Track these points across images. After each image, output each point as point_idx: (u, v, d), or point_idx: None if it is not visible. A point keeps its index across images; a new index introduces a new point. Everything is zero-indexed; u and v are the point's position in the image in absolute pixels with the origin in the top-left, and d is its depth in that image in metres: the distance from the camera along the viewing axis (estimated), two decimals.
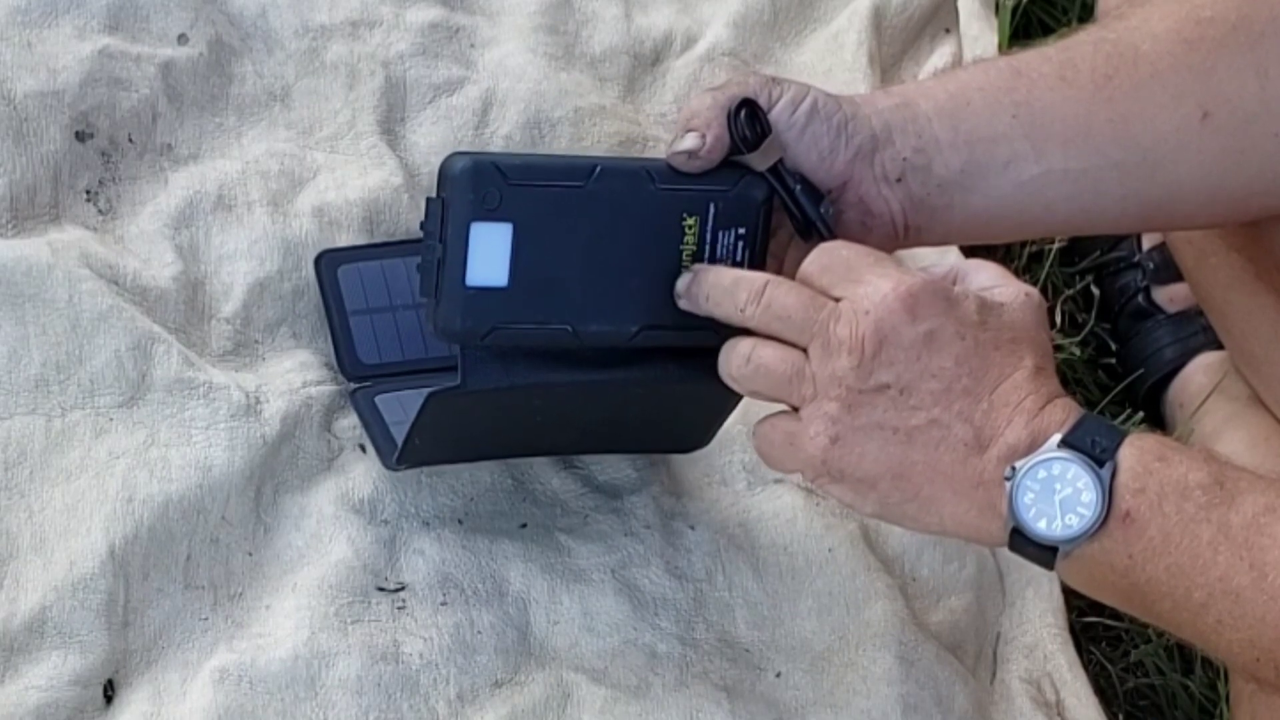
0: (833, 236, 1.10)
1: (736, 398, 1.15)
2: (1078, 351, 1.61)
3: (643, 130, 1.43)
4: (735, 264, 1.10)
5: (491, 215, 1.07)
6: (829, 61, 1.54)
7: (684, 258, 1.11)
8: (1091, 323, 1.64)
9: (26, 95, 1.27)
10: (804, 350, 1.05)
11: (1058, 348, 1.60)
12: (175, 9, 1.35)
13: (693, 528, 1.26)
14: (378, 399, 1.23)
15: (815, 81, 1.51)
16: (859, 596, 1.25)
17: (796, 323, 1.05)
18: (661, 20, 1.51)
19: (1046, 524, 1.02)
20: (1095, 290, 1.66)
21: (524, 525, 1.23)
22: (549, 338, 1.10)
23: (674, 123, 1.44)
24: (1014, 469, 1.02)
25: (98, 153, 1.29)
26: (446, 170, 1.08)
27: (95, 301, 1.20)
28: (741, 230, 1.11)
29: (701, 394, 1.15)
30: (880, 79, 1.53)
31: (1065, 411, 1.03)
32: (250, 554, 1.18)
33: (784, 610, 1.24)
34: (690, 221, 1.11)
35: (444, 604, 1.18)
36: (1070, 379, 1.61)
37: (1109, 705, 1.38)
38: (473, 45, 1.43)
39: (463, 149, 1.15)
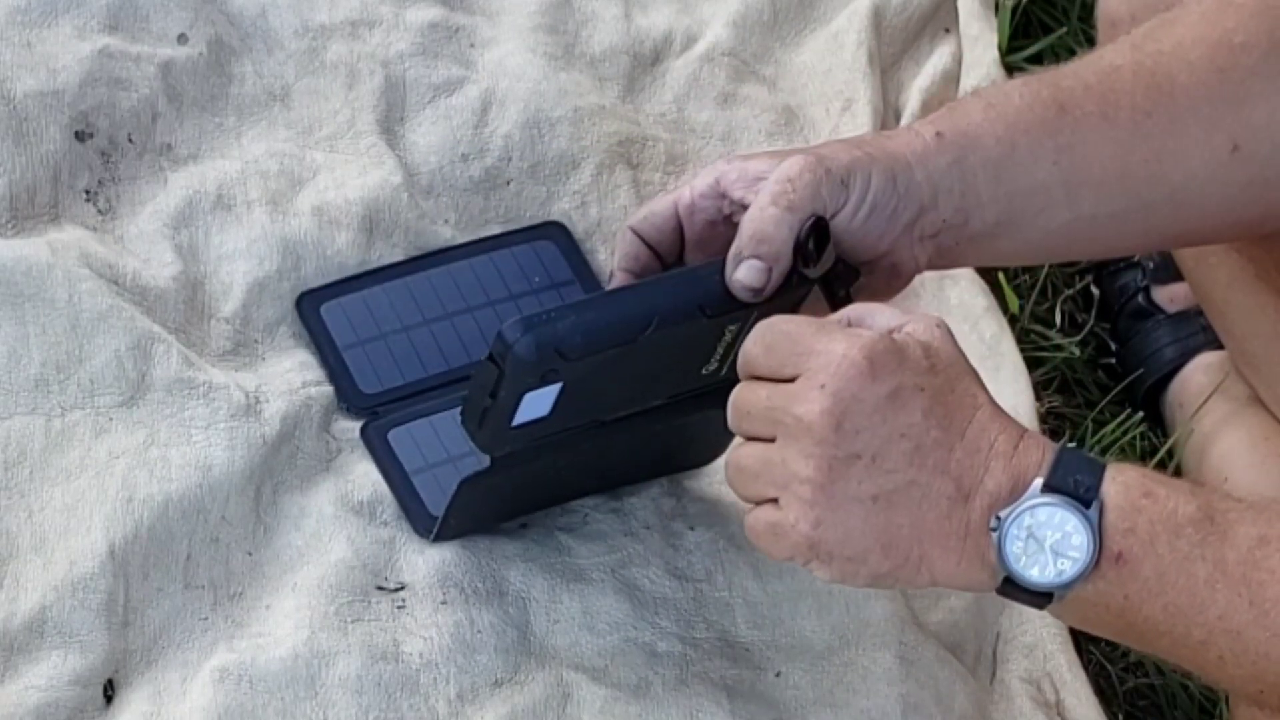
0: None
1: None
2: (1078, 351, 1.61)
3: (642, 130, 1.43)
4: None
5: (543, 385, 1.08)
6: (829, 61, 1.54)
7: (719, 350, 1.12)
8: (1091, 323, 1.64)
9: (26, 95, 1.27)
10: (772, 440, 1.03)
11: (1058, 347, 1.60)
12: (175, 9, 1.35)
13: (692, 528, 1.26)
14: (390, 436, 1.23)
15: (815, 81, 1.52)
16: (859, 596, 1.25)
17: (758, 416, 1.03)
18: (661, 20, 1.51)
19: (1039, 571, 1.00)
20: (1095, 290, 1.66)
21: (524, 525, 1.23)
22: (580, 430, 1.12)
23: (673, 122, 1.45)
24: (999, 519, 1.00)
25: (97, 153, 1.29)
26: (510, 349, 1.06)
27: (95, 301, 1.20)
28: None
29: (715, 416, 1.15)
30: (880, 79, 1.53)
31: (1040, 450, 1.01)
32: (250, 554, 1.18)
33: (784, 610, 1.24)
34: (732, 328, 1.11)
35: (444, 603, 1.18)
36: (1070, 379, 1.61)
37: (1109, 705, 1.38)
38: (472, 45, 1.43)
39: (517, 319, 1.08)
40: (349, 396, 1.24)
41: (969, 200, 1.13)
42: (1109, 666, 1.44)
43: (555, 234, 1.34)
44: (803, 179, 1.09)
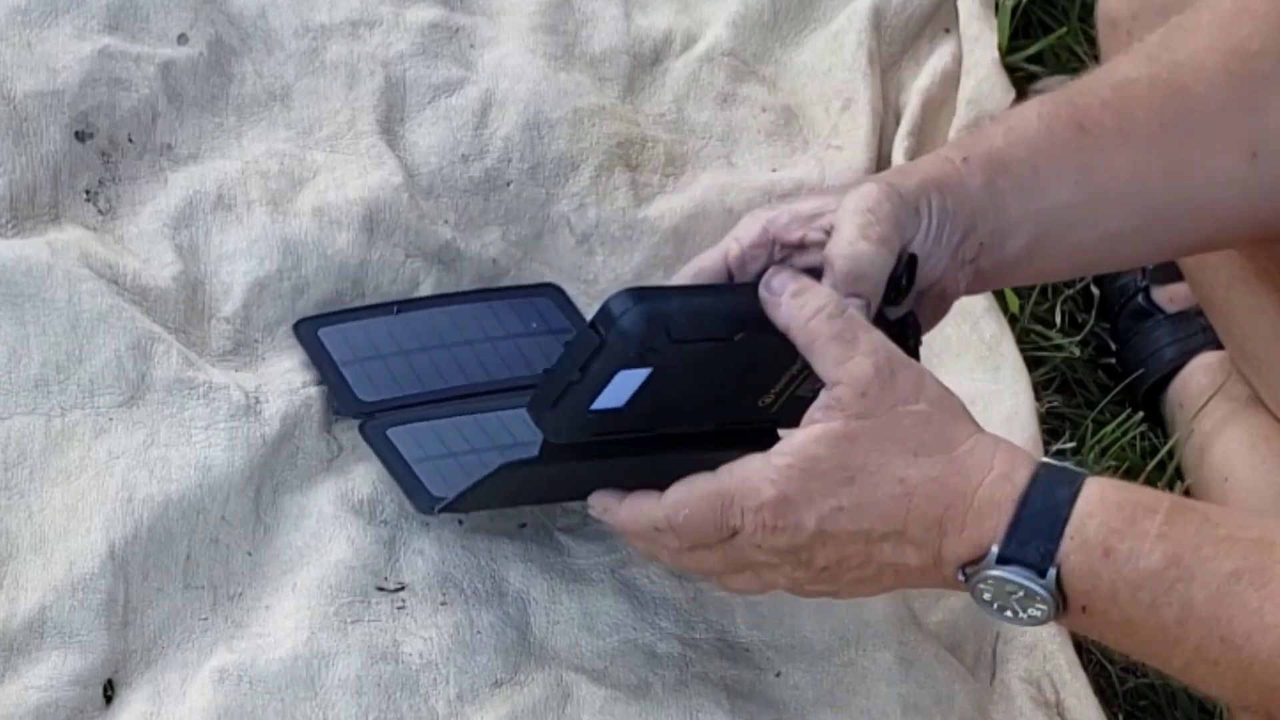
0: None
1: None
2: (1078, 351, 1.61)
3: (642, 131, 1.43)
4: (814, 393, 1.07)
5: (640, 364, 1.06)
6: (829, 61, 1.54)
7: (781, 381, 1.10)
8: (1091, 323, 1.64)
9: (26, 95, 1.27)
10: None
11: (1058, 347, 1.60)
12: (175, 9, 1.35)
13: None
14: (390, 433, 1.23)
15: (815, 81, 1.52)
16: None
17: (706, 560, 1.10)
18: (661, 20, 1.51)
19: (1013, 614, 1.03)
20: (1095, 290, 1.66)
21: (523, 525, 1.23)
22: (637, 436, 1.11)
23: (673, 122, 1.45)
24: (965, 574, 1.03)
25: (98, 153, 1.29)
26: (618, 316, 1.05)
27: (95, 301, 1.20)
28: None
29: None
30: (880, 79, 1.53)
31: (994, 515, 1.02)
32: (250, 554, 1.18)
33: (784, 610, 1.24)
34: (801, 361, 1.10)
35: (444, 604, 1.18)
36: (1070, 379, 1.61)
37: (1109, 705, 1.38)
38: (472, 45, 1.43)
39: (626, 290, 1.08)
40: (347, 405, 1.24)
41: (1002, 222, 1.12)
42: (1109, 666, 1.44)
43: (552, 293, 1.33)
44: (883, 209, 1.08)
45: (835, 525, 1.03)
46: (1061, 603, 1.01)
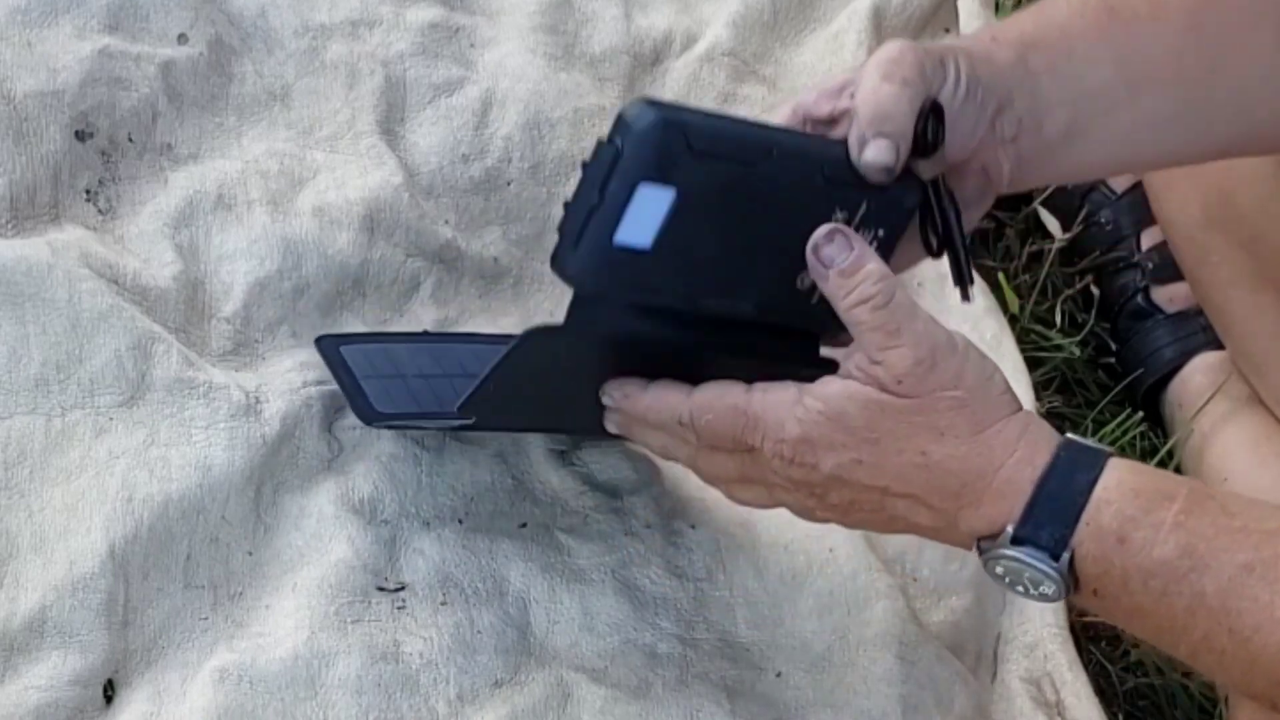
0: (967, 277, 1.10)
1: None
2: (1077, 351, 1.61)
3: None
4: None
5: (661, 179, 1.02)
6: (829, 61, 1.54)
7: None
8: (1091, 323, 1.64)
9: (26, 95, 1.27)
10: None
11: (1058, 347, 1.60)
12: (175, 9, 1.35)
13: (693, 527, 1.26)
14: (343, 349, 1.22)
15: (815, 82, 1.52)
16: (859, 596, 1.25)
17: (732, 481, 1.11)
18: (661, 20, 1.51)
19: (1024, 591, 1.03)
20: (1095, 290, 1.66)
21: (524, 525, 1.23)
22: (667, 303, 1.07)
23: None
24: (980, 547, 1.04)
25: (98, 152, 1.29)
26: (631, 121, 1.01)
27: (95, 301, 1.20)
28: (881, 232, 1.08)
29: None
30: None
31: (1012, 497, 1.03)
32: (250, 554, 1.18)
33: (784, 610, 1.24)
34: (839, 216, 1.07)
35: (444, 604, 1.18)
36: (1070, 379, 1.61)
37: (1109, 705, 1.38)
38: (472, 45, 1.43)
39: (641, 97, 1.05)
40: (364, 414, 1.23)
41: (1039, 101, 1.12)
42: (1109, 666, 1.44)
43: None
44: (906, 58, 1.06)
45: (852, 475, 1.04)
46: (1073, 585, 1.02)
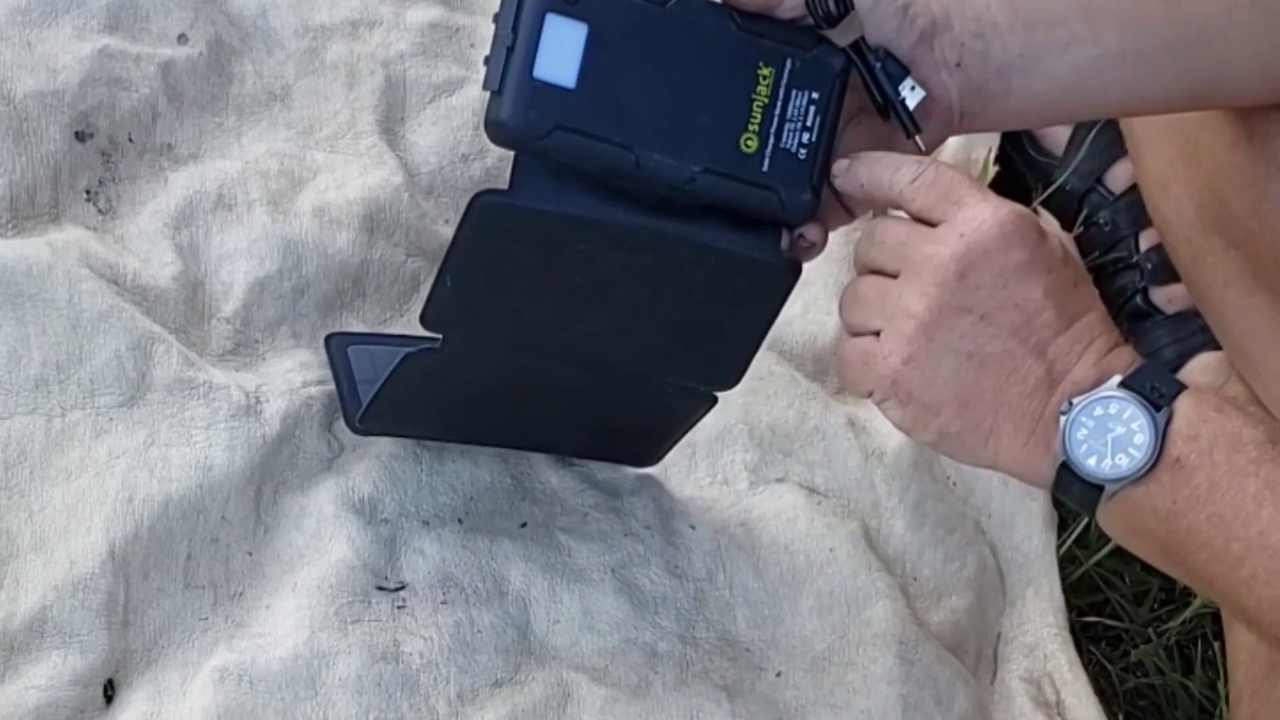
0: (910, 117, 1.10)
1: (703, 410, 1.18)
2: None
3: None
4: (805, 128, 1.08)
5: (568, 11, 1.04)
6: None
7: (754, 109, 1.08)
8: None
9: (26, 95, 1.27)
10: (895, 275, 1.06)
11: None
12: (175, 9, 1.35)
13: (693, 527, 1.26)
14: (351, 350, 1.22)
15: None
16: (859, 596, 1.25)
17: (890, 248, 1.06)
18: None
19: (1096, 461, 1.03)
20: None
21: (524, 524, 1.23)
22: (608, 158, 1.07)
23: None
24: (1071, 404, 1.03)
25: (98, 153, 1.29)
26: None
27: (95, 301, 1.20)
28: (815, 95, 1.09)
29: (675, 399, 1.15)
30: None
31: (1131, 357, 1.05)
32: (250, 554, 1.18)
33: (784, 610, 1.24)
34: (765, 72, 1.08)
35: (444, 603, 1.18)
36: None
37: (1109, 705, 1.38)
38: (472, 45, 1.43)
39: None
40: (350, 421, 1.23)
41: (985, 26, 1.12)
42: (1109, 666, 1.44)
43: None
44: None
45: (1029, 276, 1.04)
46: (1158, 450, 1.02)
